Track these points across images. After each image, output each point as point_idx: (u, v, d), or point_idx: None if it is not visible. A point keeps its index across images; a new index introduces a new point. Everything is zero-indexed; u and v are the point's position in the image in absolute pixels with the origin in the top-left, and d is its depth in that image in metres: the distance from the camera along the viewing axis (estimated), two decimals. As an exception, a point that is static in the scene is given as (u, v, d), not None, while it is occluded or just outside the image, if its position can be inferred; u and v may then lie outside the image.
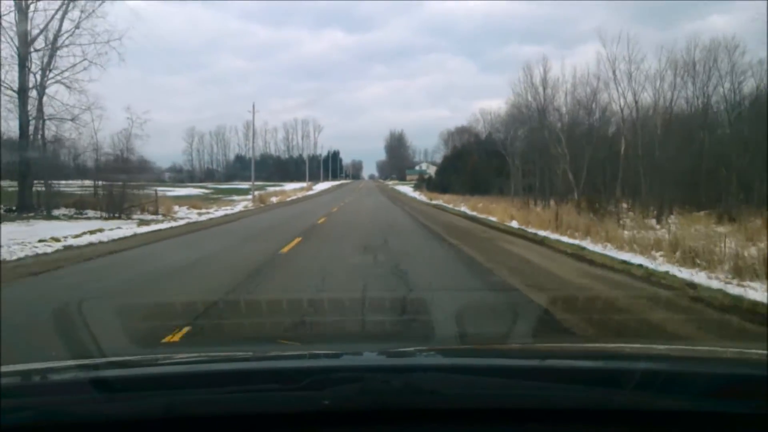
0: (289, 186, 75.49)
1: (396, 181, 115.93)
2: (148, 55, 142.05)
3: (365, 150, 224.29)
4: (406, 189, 74.72)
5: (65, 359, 2.07)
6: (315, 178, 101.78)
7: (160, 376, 1.59)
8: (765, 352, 1.91)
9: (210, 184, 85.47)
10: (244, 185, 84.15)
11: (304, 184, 75.85)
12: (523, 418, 1.35)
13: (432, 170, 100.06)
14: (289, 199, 49.31)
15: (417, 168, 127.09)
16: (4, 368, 1.62)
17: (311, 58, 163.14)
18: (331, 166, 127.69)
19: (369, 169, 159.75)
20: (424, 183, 70.74)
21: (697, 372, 1.57)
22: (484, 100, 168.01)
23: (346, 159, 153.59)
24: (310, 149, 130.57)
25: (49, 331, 4.01)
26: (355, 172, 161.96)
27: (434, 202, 43.70)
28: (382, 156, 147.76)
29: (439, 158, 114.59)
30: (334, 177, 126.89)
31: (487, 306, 6.67)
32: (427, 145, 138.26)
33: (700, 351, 2.20)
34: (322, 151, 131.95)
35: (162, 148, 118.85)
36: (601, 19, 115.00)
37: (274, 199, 44.55)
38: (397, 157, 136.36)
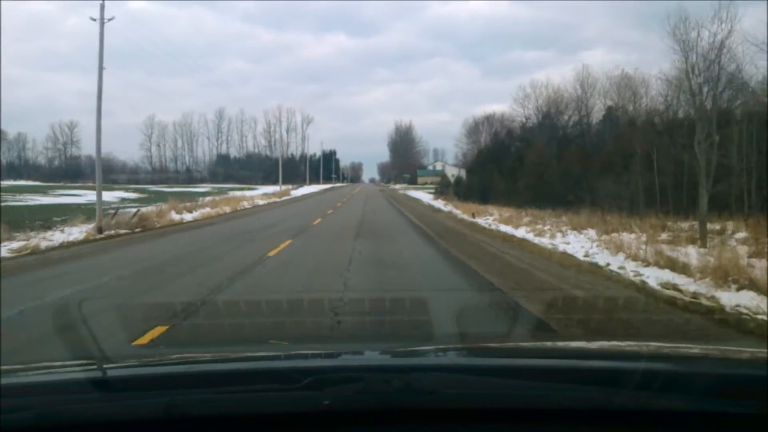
0: (262, 190, 56.58)
1: (405, 185, 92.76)
2: (151, 57, 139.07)
3: (366, 154, 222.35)
4: (423, 195, 51.90)
5: (65, 359, 2.04)
6: (302, 181, 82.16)
7: (160, 376, 1.58)
8: (765, 351, 1.87)
9: (152, 187, 65.60)
10: (203, 188, 64.41)
11: (278, 188, 55.64)
12: (523, 418, 1.34)
13: (450, 171, 79.54)
14: (229, 210, 28.90)
15: (431, 168, 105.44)
16: (4, 368, 1.61)
17: (314, 62, 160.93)
18: (323, 167, 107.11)
19: (370, 173, 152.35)
20: (450, 188, 48.78)
21: (697, 372, 1.55)
22: (485, 105, 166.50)
23: (345, 162, 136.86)
24: (298, 145, 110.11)
25: None
26: (354, 174, 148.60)
27: (501, 229, 20.66)
28: (383, 159, 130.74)
29: (451, 159, 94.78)
30: (328, 179, 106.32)
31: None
32: (435, 146, 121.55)
33: (700, 351, 2.17)
34: (314, 150, 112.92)
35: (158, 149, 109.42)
36: (605, 25, 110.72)
37: (189, 216, 23.80)
38: (404, 156, 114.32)
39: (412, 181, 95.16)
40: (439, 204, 37.18)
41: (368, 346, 2.35)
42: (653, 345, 2.41)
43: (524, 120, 47.15)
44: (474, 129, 70.90)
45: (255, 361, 1.80)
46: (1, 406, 1.24)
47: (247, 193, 48.60)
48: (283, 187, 57.96)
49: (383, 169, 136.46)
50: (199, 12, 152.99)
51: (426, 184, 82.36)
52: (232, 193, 46.81)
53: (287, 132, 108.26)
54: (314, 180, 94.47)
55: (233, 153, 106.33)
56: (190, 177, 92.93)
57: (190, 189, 59.90)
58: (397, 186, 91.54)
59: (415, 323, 5.54)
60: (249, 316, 5.64)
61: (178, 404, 1.31)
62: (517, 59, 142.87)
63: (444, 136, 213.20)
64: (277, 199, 44.71)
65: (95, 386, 1.40)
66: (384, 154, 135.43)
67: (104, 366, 1.75)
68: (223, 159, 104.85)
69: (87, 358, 2.00)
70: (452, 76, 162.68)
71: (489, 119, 66.71)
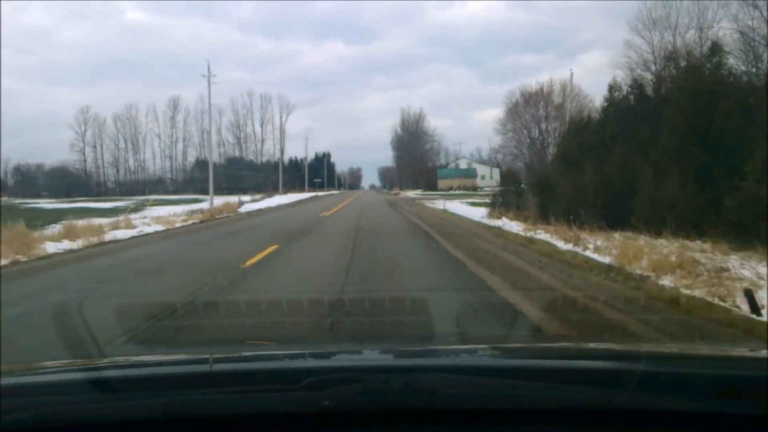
0: (217, 203, 35.74)
1: (420, 192, 65.85)
2: (149, 68, 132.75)
3: (365, 161, 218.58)
4: (473, 211, 24.85)
5: (65, 359, 2.02)
6: (273, 189, 61.56)
7: (160, 376, 1.56)
8: (765, 352, 1.89)
9: (40, 203, 45.40)
10: (127, 201, 43.63)
11: (208, 204, 34.96)
12: (523, 418, 1.33)
13: (480, 171, 57.76)
14: None
15: (452, 167, 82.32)
16: (4, 368, 1.61)
17: (311, 69, 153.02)
18: (313, 172, 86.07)
19: (370, 179, 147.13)
20: (529, 197, 24.46)
21: (697, 372, 1.54)
22: (485, 110, 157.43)
23: (344, 168, 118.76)
24: (276, 141, 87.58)
25: None
26: (352, 180, 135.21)
27: None
28: (384, 163, 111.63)
29: (468, 153, 73.14)
30: (318, 186, 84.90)
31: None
32: (447, 144, 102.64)
33: (700, 351, 2.14)
34: (293, 149, 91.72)
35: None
36: (602, 29, 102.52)
37: None
38: (412, 154, 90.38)
39: (430, 187, 71.25)
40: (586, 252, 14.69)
41: (368, 346, 2.34)
42: (653, 345, 2.39)
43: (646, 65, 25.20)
44: (513, 109, 49.59)
45: (255, 361, 1.79)
46: (1, 406, 1.24)
47: (156, 211, 27.94)
48: (228, 199, 36.94)
49: (385, 174, 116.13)
50: (196, 22, 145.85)
51: (451, 189, 60.29)
52: (155, 210, 29.35)
53: (261, 126, 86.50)
54: (298, 187, 73.42)
55: (192, 153, 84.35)
56: (163, 186, 72.64)
57: (96, 205, 39.49)
58: (411, 193, 62.48)
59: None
60: (249, 317, 5.70)
61: (178, 404, 1.31)
62: (515, 63, 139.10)
63: (446, 142, 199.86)
64: (196, 222, 23.43)
65: (95, 386, 1.39)
66: (385, 159, 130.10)
67: (104, 366, 1.74)
68: (203, 165, 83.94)
69: (87, 358, 2.01)
70: (451, 81, 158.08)
71: (540, 93, 45.59)
